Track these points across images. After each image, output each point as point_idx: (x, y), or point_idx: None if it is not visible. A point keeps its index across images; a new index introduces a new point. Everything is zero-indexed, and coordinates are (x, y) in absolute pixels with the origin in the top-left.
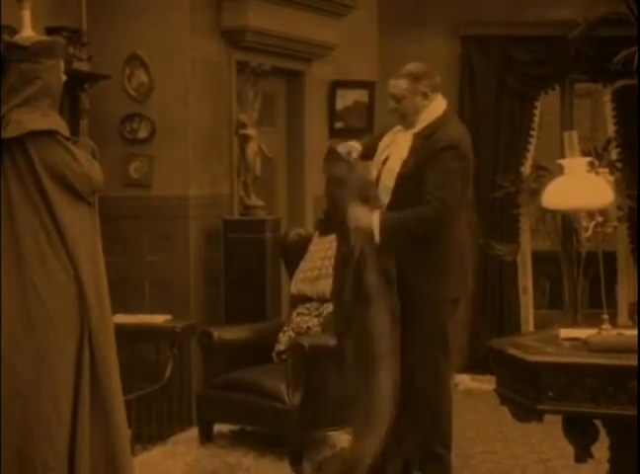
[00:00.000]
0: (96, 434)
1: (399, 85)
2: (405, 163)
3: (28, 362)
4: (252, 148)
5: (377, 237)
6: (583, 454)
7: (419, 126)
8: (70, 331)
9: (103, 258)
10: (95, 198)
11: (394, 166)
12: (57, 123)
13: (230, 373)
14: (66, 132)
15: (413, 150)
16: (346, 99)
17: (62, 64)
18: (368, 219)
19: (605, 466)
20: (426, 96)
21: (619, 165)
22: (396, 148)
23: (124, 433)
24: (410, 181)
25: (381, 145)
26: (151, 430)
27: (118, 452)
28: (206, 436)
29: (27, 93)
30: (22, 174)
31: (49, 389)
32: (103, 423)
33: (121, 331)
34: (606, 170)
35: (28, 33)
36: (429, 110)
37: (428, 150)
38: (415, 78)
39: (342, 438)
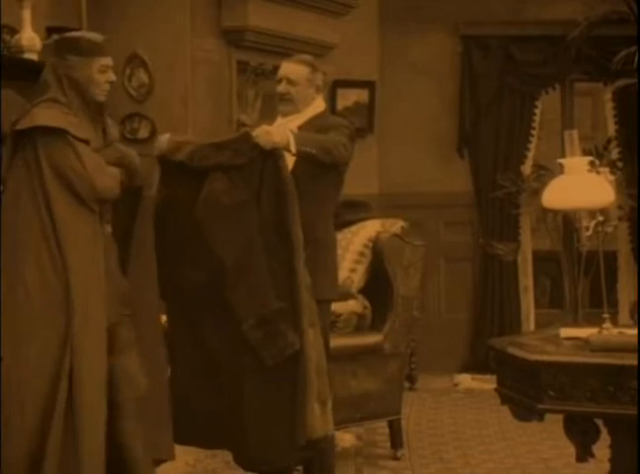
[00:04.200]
0: (67, 441)
1: (299, 71)
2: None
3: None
4: None
5: (293, 146)
6: (584, 453)
7: (304, 118)
8: (52, 331)
9: (102, 267)
10: (106, 208)
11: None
12: (71, 123)
13: None
14: (83, 134)
15: None
16: (346, 98)
17: (100, 63)
18: (282, 130)
19: (606, 465)
20: (317, 90)
21: (620, 164)
22: None
23: (94, 445)
24: (304, 173)
25: None
26: None
27: (81, 462)
28: None
29: (53, 89)
30: (30, 168)
31: (16, 389)
32: (72, 435)
33: None
34: (607, 169)
35: (28, 32)
36: (315, 103)
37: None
38: (314, 69)
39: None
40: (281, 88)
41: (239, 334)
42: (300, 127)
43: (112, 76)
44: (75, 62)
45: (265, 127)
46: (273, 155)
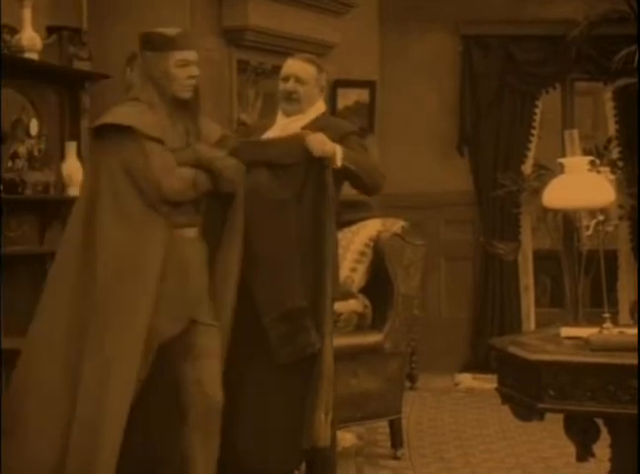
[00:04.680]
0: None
1: (307, 69)
2: None
3: None
4: None
5: (339, 160)
6: (584, 453)
7: (307, 119)
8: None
9: (156, 272)
10: (183, 209)
11: None
12: (144, 122)
13: None
14: (156, 133)
15: None
16: (347, 98)
17: (176, 57)
18: (331, 143)
19: (607, 465)
20: (321, 91)
21: (620, 164)
22: None
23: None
24: None
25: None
26: None
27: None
28: None
29: (136, 87)
30: (102, 165)
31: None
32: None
33: None
34: (607, 169)
35: (28, 32)
36: (318, 104)
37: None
38: (320, 70)
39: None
40: (290, 86)
41: (256, 329)
42: (304, 128)
43: (193, 71)
44: (150, 58)
45: (320, 135)
46: (320, 162)
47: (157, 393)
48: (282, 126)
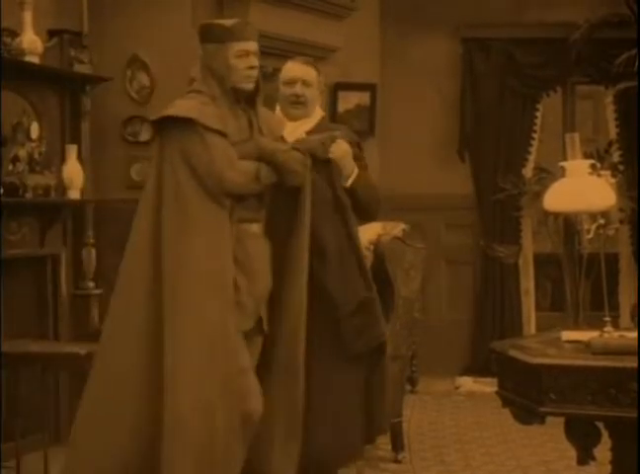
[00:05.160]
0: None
1: (311, 72)
2: None
3: None
4: None
5: (351, 180)
6: (585, 456)
7: (312, 122)
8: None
9: (227, 272)
10: (247, 204)
11: None
12: (205, 114)
13: None
14: (218, 125)
15: None
16: (347, 101)
17: (235, 48)
18: (352, 163)
19: (608, 468)
20: (321, 93)
21: (621, 167)
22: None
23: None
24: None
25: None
26: None
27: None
28: None
29: (198, 80)
30: (164, 158)
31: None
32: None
33: None
34: (608, 172)
35: (29, 35)
36: (318, 107)
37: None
38: (319, 72)
39: None
40: (298, 90)
41: (324, 323)
42: (309, 132)
43: (253, 61)
44: (210, 50)
45: (347, 146)
46: (330, 163)
47: None
48: (291, 131)
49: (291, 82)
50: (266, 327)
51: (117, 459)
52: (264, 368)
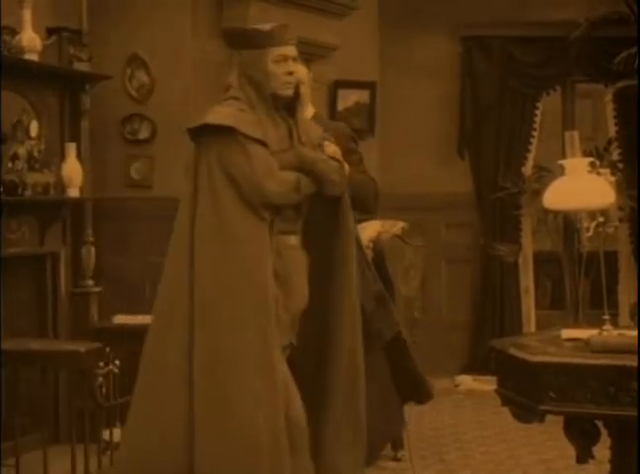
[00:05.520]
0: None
1: (302, 70)
2: None
3: None
4: None
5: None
6: (584, 455)
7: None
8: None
9: (266, 285)
10: (286, 216)
11: None
12: (244, 122)
13: None
14: (258, 134)
15: None
16: (347, 99)
17: (274, 53)
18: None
19: (607, 467)
20: (312, 89)
21: (620, 165)
22: None
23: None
24: None
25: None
26: None
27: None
28: None
29: (234, 87)
30: (203, 167)
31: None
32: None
33: (122, 331)
34: (608, 170)
35: (28, 33)
36: (310, 104)
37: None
38: (309, 69)
39: None
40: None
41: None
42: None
43: (291, 66)
44: (247, 56)
45: (334, 150)
46: None
47: None
48: None
49: None
50: (294, 340)
51: (169, 459)
52: (315, 381)
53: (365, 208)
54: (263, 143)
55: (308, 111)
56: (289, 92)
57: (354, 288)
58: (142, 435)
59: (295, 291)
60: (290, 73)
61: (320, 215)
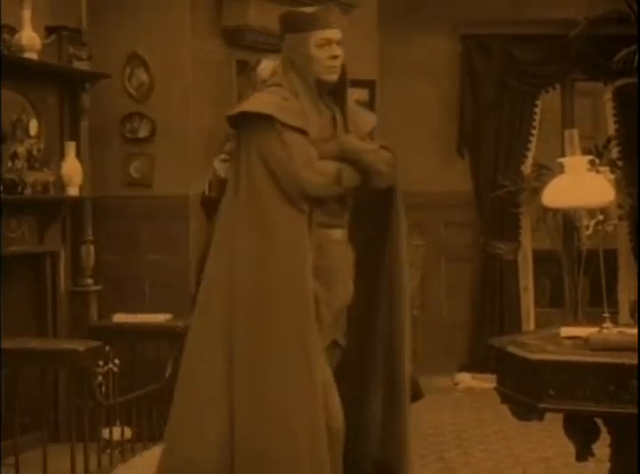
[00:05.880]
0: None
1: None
2: None
3: None
4: None
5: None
6: (584, 453)
7: None
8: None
9: (304, 280)
10: (328, 209)
11: None
12: (284, 110)
13: None
14: (297, 122)
15: None
16: None
17: (316, 37)
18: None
19: (606, 464)
20: None
21: (620, 163)
22: None
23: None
24: None
25: None
26: (152, 428)
27: None
28: None
29: (280, 73)
30: (242, 156)
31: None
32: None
33: (122, 330)
34: (607, 168)
35: (28, 32)
36: None
37: None
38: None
39: None
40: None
41: None
42: None
43: (335, 50)
44: (291, 41)
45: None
46: None
47: None
48: None
49: (263, 83)
50: (342, 340)
51: (210, 459)
52: (362, 379)
53: None
54: (303, 132)
55: None
56: (333, 77)
57: (406, 288)
58: (183, 435)
59: (338, 288)
60: (334, 57)
61: (369, 208)
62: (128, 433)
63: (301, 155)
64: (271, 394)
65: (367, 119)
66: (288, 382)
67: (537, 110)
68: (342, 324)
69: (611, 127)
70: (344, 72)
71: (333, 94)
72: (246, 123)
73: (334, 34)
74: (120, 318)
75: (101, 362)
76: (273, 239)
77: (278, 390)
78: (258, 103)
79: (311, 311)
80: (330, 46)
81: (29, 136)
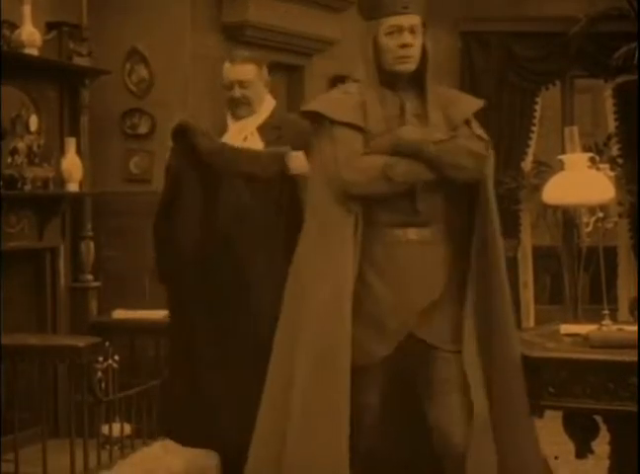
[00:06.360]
0: None
1: (248, 70)
2: None
3: None
4: None
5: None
6: (583, 450)
7: (261, 117)
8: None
9: (344, 282)
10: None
11: None
12: (339, 105)
13: None
14: (347, 117)
15: (268, 143)
16: None
17: (386, 24)
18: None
19: (606, 462)
20: (266, 85)
21: (620, 160)
22: (247, 145)
23: None
24: None
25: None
26: (151, 425)
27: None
28: None
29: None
30: (312, 154)
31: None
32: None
33: (121, 326)
34: (607, 165)
35: (28, 28)
36: (267, 99)
37: (291, 142)
38: (259, 64)
39: None
40: (236, 94)
41: None
42: (260, 128)
43: (405, 38)
44: (365, 29)
45: (301, 155)
46: (293, 180)
47: (406, 438)
48: (238, 130)
49: (229, 86)
50: (450, 345)
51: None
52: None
53: None
54: (356, 127)
55: (264, 108)
56: (405, 67)
57: (505, 294)
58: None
59: (407, 291)
60: (404, 46)
61: (457, 205)
62: (128, 429)
63: (346, 152)
64: (294, 409)
65: (465, 107)
66: (315, 406)
67: (537, 106)
68: (438, 327)
69: (611, 125)
70: (426, 60)
71: (412, 84)
72: (311, 121)
73: (405, 19)
74: (119, 314)
75: (100, 358)
76: (319, 240)
77: (299, 405)
78: (317, 100)
79: (343, 326)
80: (401, 34)
81: (29, 132)
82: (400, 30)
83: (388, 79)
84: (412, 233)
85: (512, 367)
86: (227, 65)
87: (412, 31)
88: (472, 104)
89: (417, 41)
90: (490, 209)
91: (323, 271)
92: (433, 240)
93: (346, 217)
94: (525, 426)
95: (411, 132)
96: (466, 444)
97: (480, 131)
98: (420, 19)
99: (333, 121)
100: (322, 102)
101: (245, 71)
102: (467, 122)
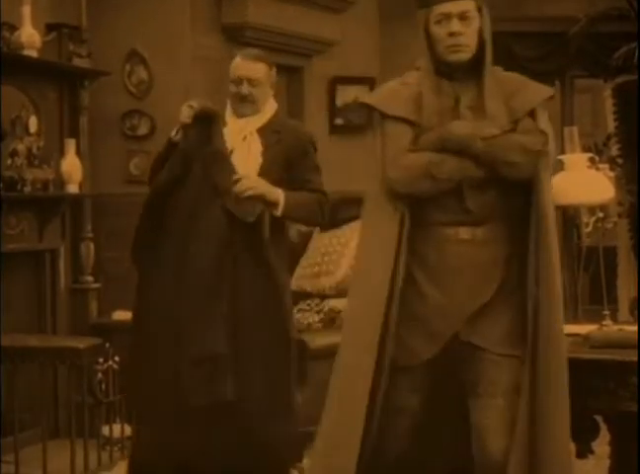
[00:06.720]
0: None
1: (258, 68)
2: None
3: None
4: None
5: (281, 208)
6: (583, 450)
7: (263, 118)
8: None
9: (382, 281)
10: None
11: (252, 164)
12: (390, 97)
13: None
14: (398, 110)
15: (267, 146)
16: (346, 95)
17: (435, 12)
18: (274, 189)
19: (606, 462)
20: (272, 86)
21: (620, 160)
22: (246, 145)
23: None
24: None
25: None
26: None
27: None
28: None
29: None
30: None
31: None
32: None
33: (122, 327)
34: (607, 165)
35: (27, 29)
36: (270, 101)
37: (289, 147)
38: (269, 65)
39: None
40: (244, 90)
41: None
42: (260, 130)
43: (454, 26)
44: (418, 19)
45: (253, 182)
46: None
47: (443, 445)
48: (238, 128)
49: (237, 81)
50: (503, 348)
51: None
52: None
53: (313, 224)
54: (408, 121)
55: (267, 109)
56: (457, 56)
57: (558, 302)
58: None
59: (457, 291)
60: (453, 34)
61: (511, 203)
62: (128, 430)
63: (393, 149)
64: (329, 398)
65: (531, 96)
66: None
67: None
68: (490, 329)
69: (611, 125)
70: (484, 49)
71: (469, 74)
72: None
73: (454, 6)
74: (119, 315)
75: (101, 360)
76: (367, 238)
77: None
78: (375, 91)
79: (374, 328)
80: (449, 22)
81: (28, 134)
82: (448, 17)
83: (444, 69)
84: (464, 232)
85: (558, 379)
86: (238, 60)
87: (463, 17)
88: (540, 92)
89: (469, 29)
90: (544, 208)
91: (366, 269)
92: (486, 239)
93: (391, 218)
94: (564, 440)
95: (462, 127)
96: (506, 452)
97: (545, 125)
98: (474, 4)
99: (385, 115)
100: (378, 94)
101: (256, 69)
102: (532, 113)
